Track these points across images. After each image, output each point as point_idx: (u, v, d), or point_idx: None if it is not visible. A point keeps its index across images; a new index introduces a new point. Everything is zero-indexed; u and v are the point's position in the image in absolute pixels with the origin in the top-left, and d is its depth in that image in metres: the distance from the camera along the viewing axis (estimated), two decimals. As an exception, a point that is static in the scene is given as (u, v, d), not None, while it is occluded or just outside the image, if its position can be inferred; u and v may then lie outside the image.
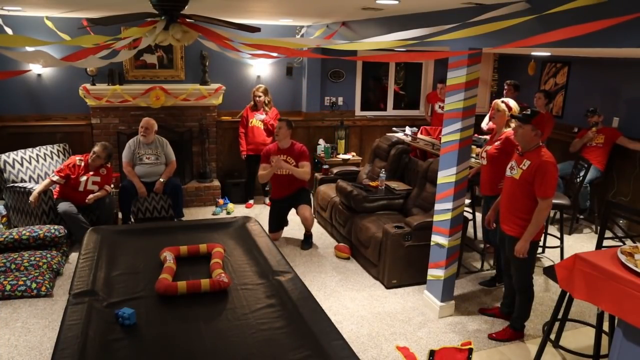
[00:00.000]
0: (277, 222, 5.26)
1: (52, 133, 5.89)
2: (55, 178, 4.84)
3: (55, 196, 4.93)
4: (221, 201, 6.18)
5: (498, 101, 4.14)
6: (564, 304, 3.18)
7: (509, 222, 3.46)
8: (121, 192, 5.31)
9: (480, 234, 5.36)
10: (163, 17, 2.86)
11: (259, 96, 6.03)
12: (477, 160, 5.06)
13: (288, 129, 5.02)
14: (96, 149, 4.98)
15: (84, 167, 4.97)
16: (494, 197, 3.88)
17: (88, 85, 5.75)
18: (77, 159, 5.00)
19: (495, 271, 4.53)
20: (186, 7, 2.90)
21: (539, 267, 4.82)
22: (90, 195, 4.91)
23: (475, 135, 5.36)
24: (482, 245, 4.89)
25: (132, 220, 5.51)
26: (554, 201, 4.60)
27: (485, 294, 4.30)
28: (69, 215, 4.78)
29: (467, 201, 4.74)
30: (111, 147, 5.18)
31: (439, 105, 6.85)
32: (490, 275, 4.58)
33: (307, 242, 5.23)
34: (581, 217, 6.01)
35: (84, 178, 4.94)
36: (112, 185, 5.74)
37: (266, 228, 4.03)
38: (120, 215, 5.50)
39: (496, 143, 4.08)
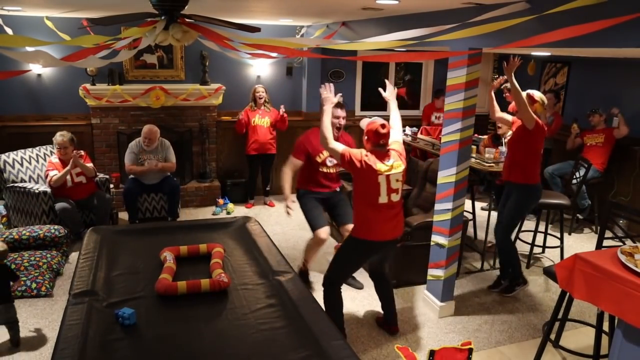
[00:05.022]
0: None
1: (52, 133, 5.82)
2: (55, 174, 4.87)
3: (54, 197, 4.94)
4: (221, 201, 6.18)
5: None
6: (564, 304, 3.18)
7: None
8: (125, 194, 5.32)
9: (480, 234, 5.37)
10: (163, 17, 2.85)
11: (261, 92, 6.04)
12: (478, 160, 5.07)
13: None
14: (59, 141, 4.93)
15: (61, 163, 4.99)
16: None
17: (88, 85, 5.75)
18: (52, 160, 5.04)
19: (499, 270, 4.52)
20: (186, 7, 2.90)
21: (539, 267, 4.83)
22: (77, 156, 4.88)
23: (476, 135, 5.36)
24: (489, 244, 4.90)
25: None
26: (554, 201, 4.61)
27: (485, 294, 4.30)
28: (65, 211, 4.81)
29: (467, 201, 4.73)
30: (67, 132, 5.07)
31: (436, 116, 6.87)
32: (491, 276, 4.59)
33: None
34: (581, 217, 6.00)
35: None
36: (112, 186, 5.74)
37: (266, 228, 3.97)
38: (119, 215, 5.49)
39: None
